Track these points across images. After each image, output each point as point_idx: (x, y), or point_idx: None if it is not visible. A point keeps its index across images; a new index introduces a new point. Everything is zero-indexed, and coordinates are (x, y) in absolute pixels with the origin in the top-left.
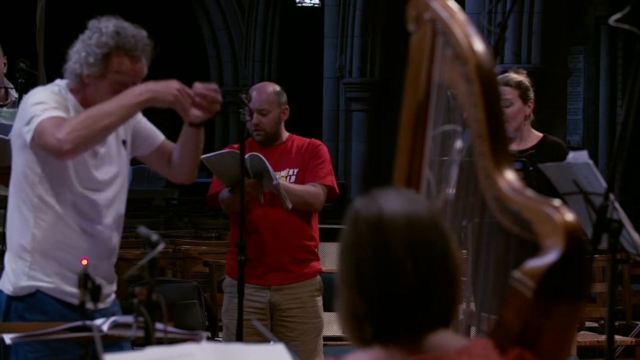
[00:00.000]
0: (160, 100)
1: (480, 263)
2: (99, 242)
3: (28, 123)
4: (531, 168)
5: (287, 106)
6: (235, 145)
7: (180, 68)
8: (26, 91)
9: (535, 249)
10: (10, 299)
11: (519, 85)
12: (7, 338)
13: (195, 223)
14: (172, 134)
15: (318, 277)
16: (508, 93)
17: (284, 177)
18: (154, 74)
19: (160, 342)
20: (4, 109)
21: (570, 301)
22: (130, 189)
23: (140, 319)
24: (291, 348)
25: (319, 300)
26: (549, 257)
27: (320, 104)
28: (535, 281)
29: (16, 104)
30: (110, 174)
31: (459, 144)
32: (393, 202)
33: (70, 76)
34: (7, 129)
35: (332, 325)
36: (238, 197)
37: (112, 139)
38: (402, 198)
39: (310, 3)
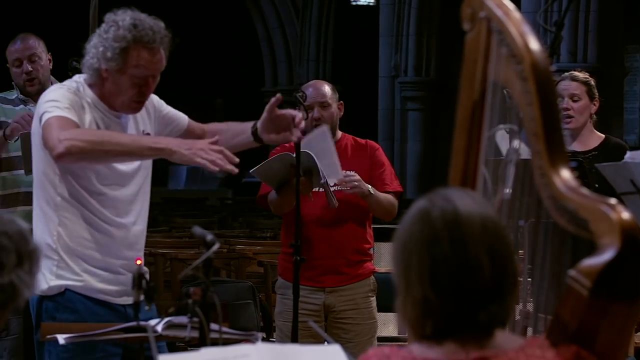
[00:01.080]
0: (178, 157)
1: (536, 263)
2: (125, 236)
3: (40, 120)
4: (592, 169)
5: (341, 102)
6: (288, 145)
7: (234, 67)
8: None
9: (591, 248)
10: (42, 299)
11: (586, 82)
12: (61, 338)
13: (249, 223)
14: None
15: (372, 277)
16: (576, 88)
17: None
18: (208, 74)
19: (214, 342)
20: None
21: (627, 301)
22: (184, 188)
23: (195, 319)
24: (346, 349)
25: (373, 300)
26: (605, 256)
27: (375, 104)
28: (591, 280)
29: None
30: (132, 167)
31: (515, 143)
32: (465, 201)
33: (88, 71)
34: None
35: (387, 325)
36: (286, 198)
37: (132, 130)
38: (471, 198)
39: (365, 2)
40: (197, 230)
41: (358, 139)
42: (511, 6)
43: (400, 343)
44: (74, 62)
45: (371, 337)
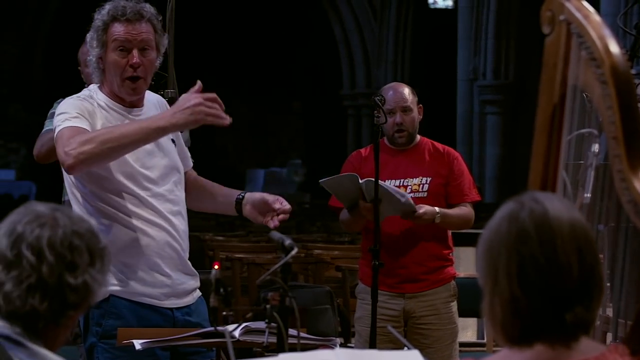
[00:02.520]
0: (183, 123)
1: (616, 268)
2: (164, 237)
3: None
4: None
5: (421, 105)
6: (363, 150)
7: (311, 70)
8: (155, 93)
9: None
10: None
11: None
12: (137, 344)
13: (327, 227)
14: None
15: (452, 282)
16: None
17: (416, 185)
18: (285, 77)
19: (293, 348)
20: None
21: None
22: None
23: (273, 325)
24: (426, 355)
25: (454, 305)
26: None
27: (453, 107)
28: None
29: None
30: (162, 168)
31: (595, 147)
32: (554, 203)
33: (93, 72)
34: None
35: (466, 331)
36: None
37: None
38: (559, 200)
39: (443, 5)
40: (275, 234)
41: (437, 144)
42: (591, 9)
43: (479, 349)
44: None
45: (451, 342)
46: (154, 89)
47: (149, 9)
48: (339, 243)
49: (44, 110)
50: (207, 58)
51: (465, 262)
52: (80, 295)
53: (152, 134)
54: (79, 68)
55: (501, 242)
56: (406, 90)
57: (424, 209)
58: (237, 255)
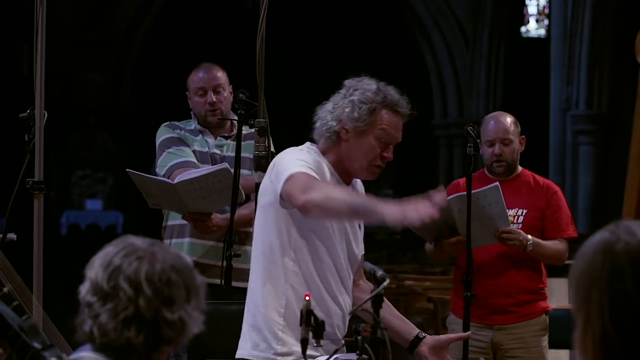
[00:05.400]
0: (392, 221)
1: None
2: (337, 314)
3: (280, 177)
4: None
5: (523, 136)
6: (461, 180)
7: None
8: (245, 122)
9: None
10: None
11: None
12: None
13: (418, 258)
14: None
15: (543, 316)
16: None
17: (512, 216)
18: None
19: None
20: (229, 140)
21: None
22: None
23: (365, 357)
24: None
25: (544, 339)
26: None
27: (546, 137)
28: None
29: (241, 135)
30: (340, 232)
31: None
32: None
33: (323, 134)
34: (232, 160)
35: None
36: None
37: None
38: None
39: (536, 34)
40: (367, 265)
41: (538, 177)
42: None
43: None
44: (240, 93)
45: None
46: (245, 119)
47: (407, 102)
48: (430, 274)
49: (132, 140)
50: (298, 89)
51: (558, 294)
52: (175, 331)
53: (368, 216)
54: (187, 93)
55: (594, 277)
56: (508, 121)
57: (517, 231)
58: None
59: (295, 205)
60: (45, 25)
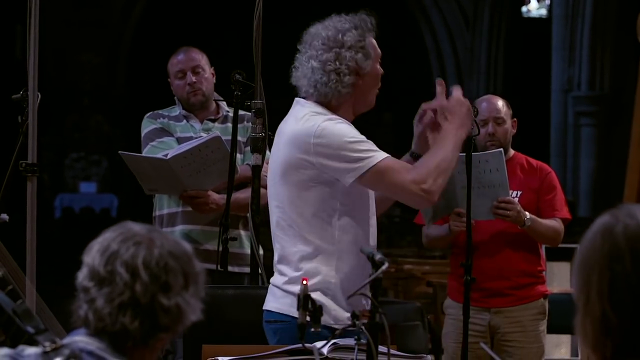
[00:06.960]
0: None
1: None
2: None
3: (343, 160)
4: None
5: (515, 119)
6: None
7: (402, 81)
8: (242, 104)
9: None
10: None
11: None
12: None
13: (418, 242)
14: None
15: (542, 300)
16: None
17: None
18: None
19: None
20: (216, 124)
21: None
22: None
23: (363, 341)
24: None
25: (542, 324)
26: None
27: (547, 118)
28: None
29: (228, 118)
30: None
31: None
32: None
33: (336, 95)
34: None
35: (559, 347)
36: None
37: None
38: None
39: (537, 14)
40: (366, 249)
41: (531, 159)
42: None
43: None
44: (236, 74)
45: None
46: (241, 100)
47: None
48: (430, 258)
49: (126, 123)
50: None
51: (559, 278)
52: (172, 318)
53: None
54: (169, 80)
55: (594, 258)
56: (500, 102)
57: (516, 202)
58: None
59: (413, 194)
60: (38, 5)
